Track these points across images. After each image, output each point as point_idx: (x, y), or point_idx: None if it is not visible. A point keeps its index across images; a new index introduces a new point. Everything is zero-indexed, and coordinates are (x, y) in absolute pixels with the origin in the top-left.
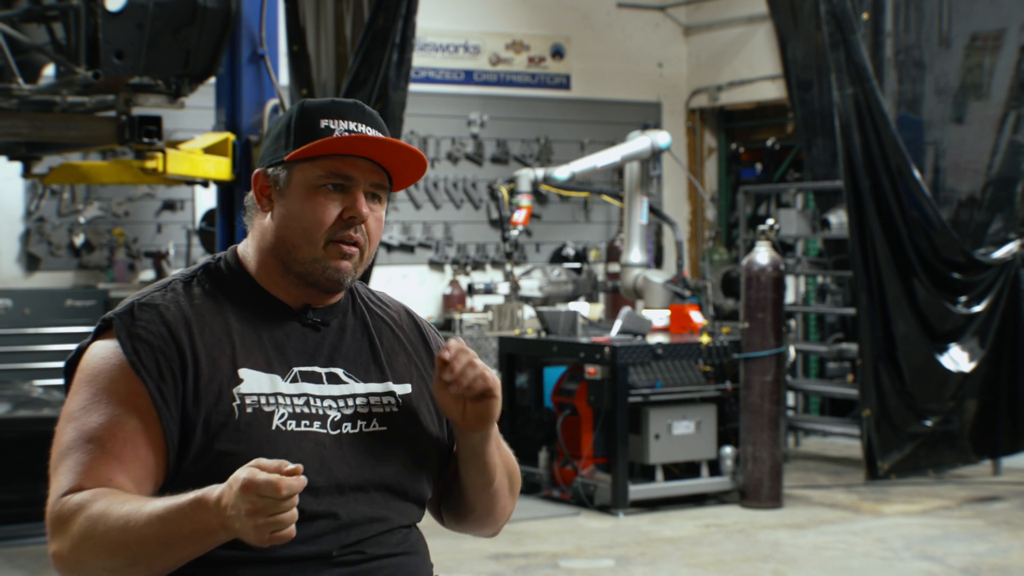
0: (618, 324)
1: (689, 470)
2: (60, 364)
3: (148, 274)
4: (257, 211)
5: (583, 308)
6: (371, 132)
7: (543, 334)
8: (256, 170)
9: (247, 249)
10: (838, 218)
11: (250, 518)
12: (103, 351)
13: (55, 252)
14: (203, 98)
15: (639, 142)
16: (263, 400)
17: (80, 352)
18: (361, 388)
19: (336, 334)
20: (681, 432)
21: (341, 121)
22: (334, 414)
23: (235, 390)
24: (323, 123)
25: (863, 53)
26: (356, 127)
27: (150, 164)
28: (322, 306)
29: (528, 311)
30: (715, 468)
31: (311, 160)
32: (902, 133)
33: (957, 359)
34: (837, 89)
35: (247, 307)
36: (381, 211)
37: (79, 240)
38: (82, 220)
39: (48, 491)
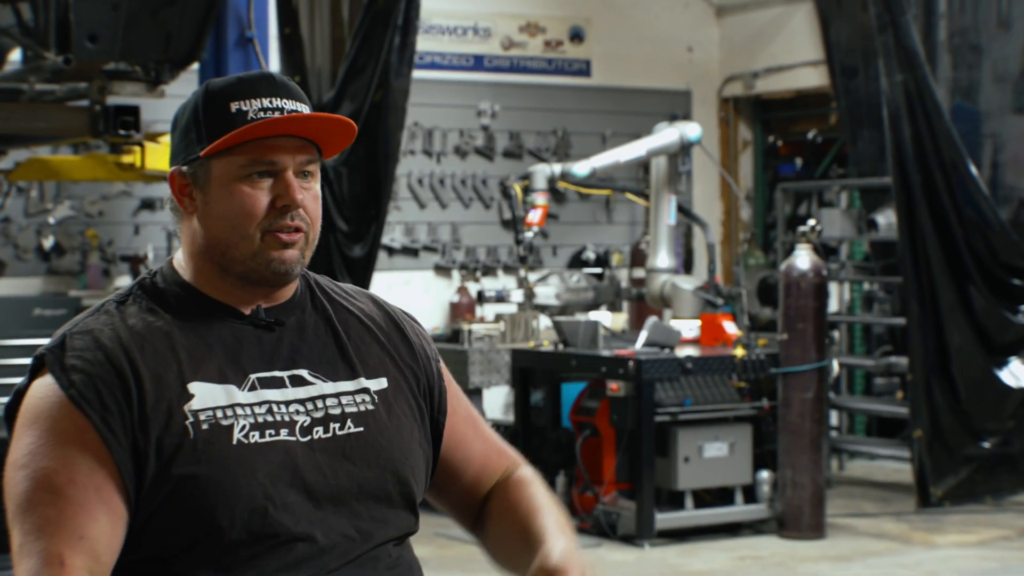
0: (643, 335)
1: (722, 497)
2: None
3: (124, 280)
4: (182, 214)
5: (605, 318)
6: (288, 105)
7: (561, 346)
8: (170, 169)
9: (181, 257)
10: (886, 218)
11: None
12: (40, 390)
13: (22, 256)
14: (185, 86)
15: (666, 134)
16: (219, 414)
17: (18, 394)
18: (330, 388)
19: (295, 333)
20: (713, 455)
21: (253, 100)
22: (302, 419)
23: (186, 407)
24: (234, 106)
25: (914, 36)
26: (271, 102)
27: (127, 159)
28: (275, 304)
29: (544, 321)
30: (750, 495)
31: (229, 151)
32: (957, 124)
33: (1018, 374)
34: (885, 76)
35: (191, 318)
36: (316, 186)
37: (48, 243)
38: (52, 221)
39: (11, 543)
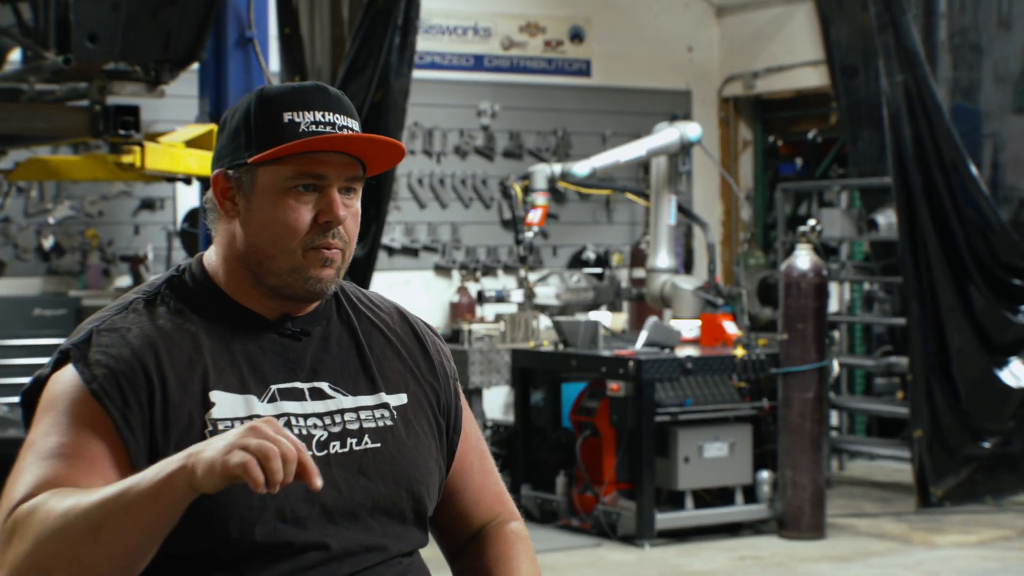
0: (643, 335)
1: (722, 497)
2: (28, 380)
3: (124, 280)
4: (221, 215)
5: (605, 318)
6: (339, 120)
7: (561, 347)
8: (215, 171)
9: (213, 257)
10: (886, 218)
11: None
12: (62, 381)
13: (22, 256)
14: (185, 86)
15: (666, 134)
16: (238, 425)
17: (36, 383)
18: (350, 402)
19: (319, 344)
20: (713, 455)
21: (306, 112)
22: (319, 433)
23: (207, 416)
24: (287, 117)
25: (914, 36)
26: (323, 116)
27: (127, 159)
28: (302, 314)
29: (544, 321)
30: (751, 495)
31: (277, 161)
32: (957, 124)
33: (1018, 374)
34: (885, 76)
35: (218, 322)
36: (357, 204)
37: (48, 243)
38: (51, 221)
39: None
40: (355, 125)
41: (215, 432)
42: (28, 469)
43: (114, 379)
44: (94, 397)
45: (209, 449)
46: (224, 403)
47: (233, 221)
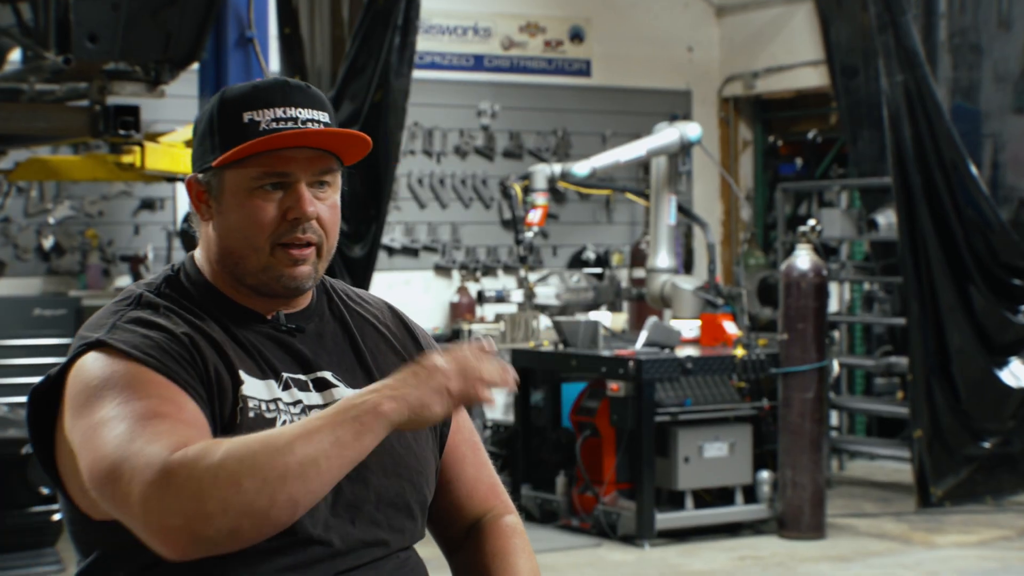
0: (643, 335)
1: (722, 497)
2: (27, 380)
3: (124, 280)
4: (199, 219)
5: (605, 318)
6: (303, 114)
7: (561, 347)
8: (188, 176)
9: (200, 258)
10: (886, 218)
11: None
12: (101, 362)
13: (22, 256)
14: (185, 86)
15: (667, 134)
16: (264, 406)
17: (50, 380)
18: (351, 393)
19: (314, 339)
20: (713, 455)
21: (266, 111)
22: None
23: (240, 391)
24: (246, 117)
25: (914, 36)
26: (285, 112)
27: (127, 159)
28: (294, 311)
29: (544, 321)
30: (751, 495)
31: (241, 162)
32: (957, 124)
33: (1018, 374)
34: (885, 76)
35: (218, 317)
36: (334, 196)
37: (48, 243)
38: (51, 221)
39: (71, 500)
40: (323, 116)
41: (244, 410)
42: (132, 440)
43: (158, 348)
44: (143, 364)
45: (407, 388)
46: (251, 383)
47: (208, 224)
